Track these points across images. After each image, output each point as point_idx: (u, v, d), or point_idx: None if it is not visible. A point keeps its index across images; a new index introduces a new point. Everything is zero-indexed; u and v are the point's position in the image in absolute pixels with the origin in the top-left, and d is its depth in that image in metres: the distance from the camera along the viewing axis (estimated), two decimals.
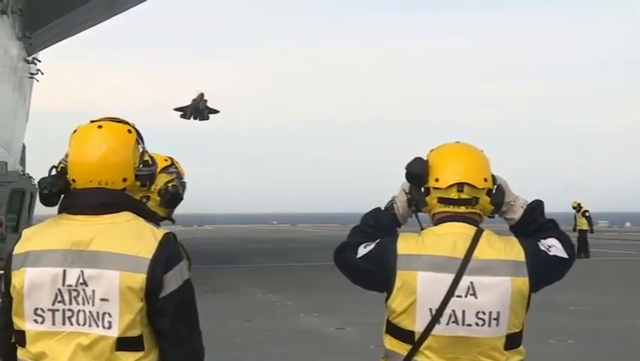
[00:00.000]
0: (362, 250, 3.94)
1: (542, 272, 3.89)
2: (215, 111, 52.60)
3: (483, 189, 3.97)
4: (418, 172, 3.98)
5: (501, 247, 3.91)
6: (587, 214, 35.77)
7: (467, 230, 3.92)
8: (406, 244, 3.89)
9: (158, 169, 4.40)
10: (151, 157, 3.80)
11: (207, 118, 52.57)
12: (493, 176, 4.04)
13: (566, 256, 3.96)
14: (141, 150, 3.74)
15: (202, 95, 51.30)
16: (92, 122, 3.73)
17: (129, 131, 3.70)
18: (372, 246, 3.93)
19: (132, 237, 3.54)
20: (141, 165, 3.70)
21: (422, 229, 4.02)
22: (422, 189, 4.01)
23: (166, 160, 4.97)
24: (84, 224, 3.57)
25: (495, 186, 4.02)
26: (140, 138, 3.75)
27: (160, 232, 3.60)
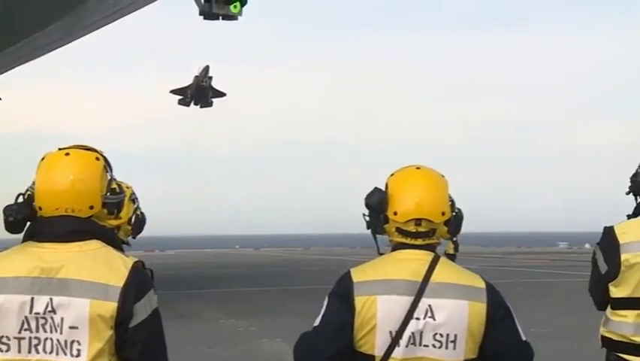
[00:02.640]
0: (317, 321, 3.94)
1: (500, 304, 3.97)
2: (222, 94, 42.82)
3: (441, 221, 4.04)
4: (375, 205, 4.04)
5: (460, 272, 4.02)
6: (454, 239, 36.03)
7: (425, 256, 4.00)
8: (361, 273, 3.98)
9: (126, 198, 4.46)
10: (119, 185, 3.84)
11: (211, 104, 42.65)
12: (452, 202, 4.12)
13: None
14: (109, 177, 3.76)
15: (207, 69, 41.68)
16: (59, 149, 3.75)
17: (97, 158, 3.72)
18: (323, 308, 3.96)
19: (102, 265, 3.55)
20: (108, 193, 3.73)
21: (380, 254, 4.12)
22: (381, 215, 4.06)
23: (127, 188, 5.04)
24: (53, 251, 3.57)
25: (453, 214, 4.11)
26: (108, 166, 3.78)
27: (130, 261, 3.62)
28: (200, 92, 41.76)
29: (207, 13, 28.45)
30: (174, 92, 42.83)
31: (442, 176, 4.12)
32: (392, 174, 4.13)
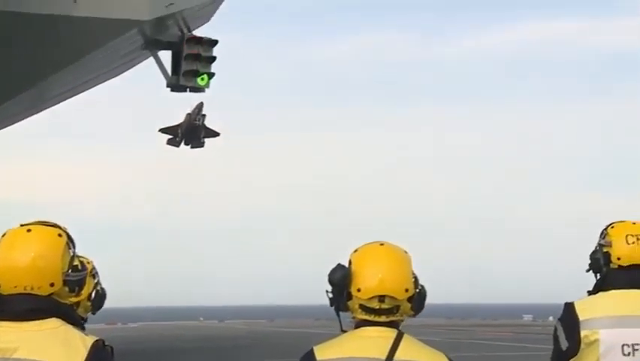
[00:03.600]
0: None
1: None
2: (215, 133, 39.59)
3: (404, 298, 4.06)
4: (338, 281, 4.05)
5: (423, 349, 4.02)
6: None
7: (389, 333, 4.02)
8: (324, 351, 3.97)
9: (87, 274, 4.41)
10: (81, 262, 3.81)
11: (202, 144, 39.39)
12: (415, 278, 4.14)
13: None
14: (71, 254, 3.73)
15: (200, 106, 37.54)
16: (22, 225, 3.71)
17: (59, 235, 3.69)
18: None
19: (60, 345, 3.49)
20: (70, 271, 3.68)
21: (343, 331, 4.11)
22: (345, 292, 4.07)
23: (88, 263, 5.00)
24: (10, 331, 3.52)
25: (417, 291, 4.13)
26: (71, 242, 3.74)
27: (90, 340, 3.58)
28: (191, 131, 38.77)
29: (175, 86, 28.75)
30: (164, 130, 39.66)
31: (406, 252, 4.15)
32: (355, 250, 4.15)
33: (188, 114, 38.79)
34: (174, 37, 28.08)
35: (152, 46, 28.06)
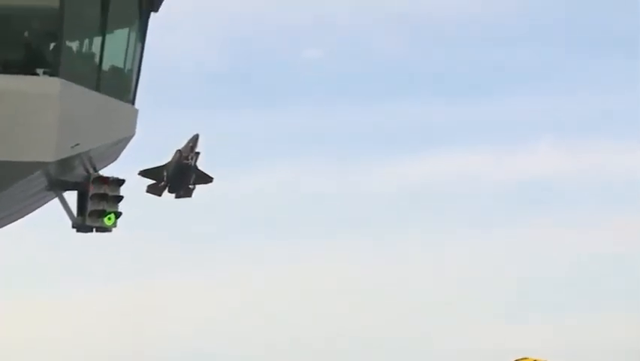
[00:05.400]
0: None
1: None
2: (207, 179, 31.88)
3: None
4: None
5: None
6: None
7: None
8: None
9: None
10: None
11: (190, 192, 31.54)
12: None
13: None
14: None
15: (196, 139, 31.04)
16: None
17: None
18: None
19: None
20: None
21: None
22: None
23: None
24: None
25: None
26: None
27: None
28: (180, 174, 31.78)
29: (80, 226, 28.30)
30: (145, 174, 32.86)
31: None
32: None
33: (179, 151, 32.55)
34: (80, 177, 27.87)
35: (57, 187, 27.75)
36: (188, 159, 31.93)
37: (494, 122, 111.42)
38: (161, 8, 29.86)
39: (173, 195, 32.66)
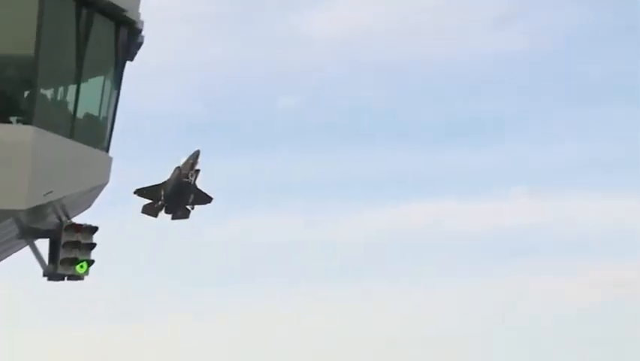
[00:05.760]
0: None
1: None
2: (206, 199, 29.71)
3: None
4: None
5: None
6: None
7: None
8: None
9: None
10: None
11: (187, 214, 29.28)
12: None
13: None
14: None
15: (197, 156, 28.97)
16: None
17: None
18: None
19: None
20: None
21: None
22: None
23: None
24: None
25: None
26: None
27: None
28: (179, 193, 29.75)
29: (52, 275, 28.05)
30: (141, 193, 30.82)
31: None
32: None
33: (178, 168, 30.73)
34: (52, 225, 27.71)
35: (28, 235, 27.55)
36: (187, 177, 29.90)
37: (466, 171, 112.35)
38: (137, 57, 30.06)
39: (170, 216, 30.58)
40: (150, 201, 30.91)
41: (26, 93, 26.15)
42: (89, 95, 28.10)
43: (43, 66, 25.70)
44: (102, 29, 27.66)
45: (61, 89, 27.62)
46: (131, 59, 29.76)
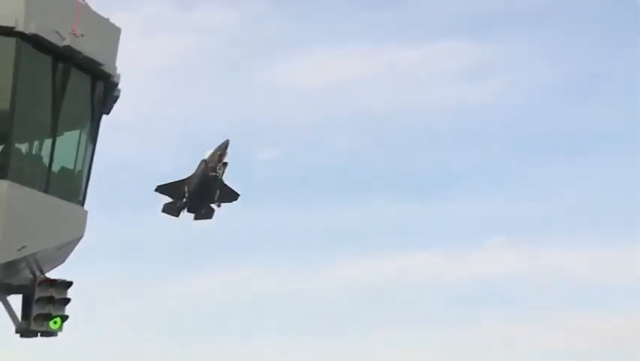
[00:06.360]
0: None
1: None
2: (233, 195, 26.18)
3: None
4: None
5: None
6: None
7: None
8: None
9: None
10: None
11: (211, 214, 25.37)
12: None
13: None
14: None
15: (225, 146, 25.25)
16: None
17: None
18: None
19: None
20: None
21: None
22: None
23: None
24: None
25: None
26: None
27: None
28: (204, 189, 25.59)
29: (25, 331, 27.52)
30: (162, 189, 26.35)
31: None
32: None
33: (204, 161, 26.57)
34: (25, 279, 27.29)
35: (1, 291, 27.09)
36: (215, 170, 26.32)
37: (446, 222, 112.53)
38: (113, 110, 30.00)
39: (192, 215, 26.82)
40: (172, 200, 26.99)
41: (1, 147, 25.97)
42: (65, 149, 27.95)
43: (18, 120, 25.59)
44: (78, 83, 27.64)
45: (36, 142, 27.48)
46: (107, 113, 29.70)
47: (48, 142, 27.18)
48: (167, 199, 28.24)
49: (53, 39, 26.09)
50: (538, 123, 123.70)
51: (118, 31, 28.73)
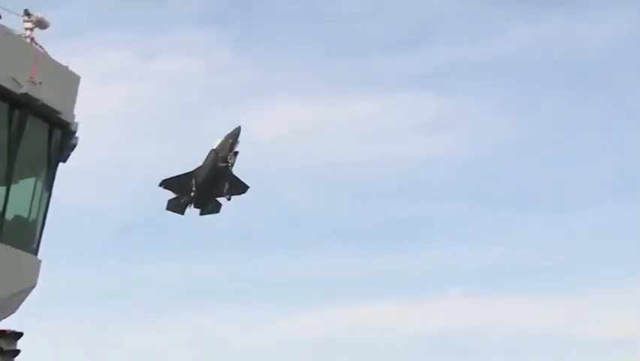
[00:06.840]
0: None
1: None
2: (243, 188, 24.81)
3: None
4: None
5: None
6: None
7: None
8: None
9: None
10: None
11: (218, 208, 24.28)
12: None
13: None
14: None
15: (237, 133, 23.78)
16: None
17: None
18: None
19: None
20: None
21: None
22: None
23: None
24: None
25: None
26: None
27: None
28: (213, 181, 23.70)
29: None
30: (167, 184, 24.28)
31: None
32: None
33: (214, 151, 24.79)
34: None
35: None
36: (226, 161, 24.45)
37: (404, 274, 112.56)
38: (70, 158, 29.68)
39: (198, 211, 24.79)
40: (177, 195, 24.84)
41: None
42: (19, 197, 27.57)
43: None
44: (35, 131, 27.36)
45: None
46: (64, 161, 29.38)
47: (2, 190, 26.80)
48: (171, 196, 26.38)
49: (10, 86, 25.87)
50: (493, 176, 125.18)
51: (77, 78, 28.55)
